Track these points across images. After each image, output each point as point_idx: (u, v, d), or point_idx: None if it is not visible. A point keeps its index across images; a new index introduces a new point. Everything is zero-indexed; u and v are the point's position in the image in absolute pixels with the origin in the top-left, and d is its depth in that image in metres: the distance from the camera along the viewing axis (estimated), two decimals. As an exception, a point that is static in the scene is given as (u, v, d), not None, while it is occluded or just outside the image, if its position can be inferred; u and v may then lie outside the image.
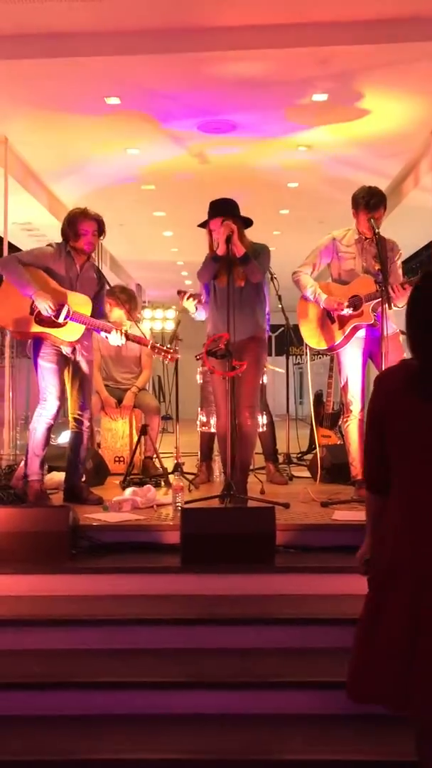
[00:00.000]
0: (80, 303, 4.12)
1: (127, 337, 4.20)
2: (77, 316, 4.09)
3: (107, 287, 4.35)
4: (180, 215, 9.31)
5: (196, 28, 4.92)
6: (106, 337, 4.17)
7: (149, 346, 4.30)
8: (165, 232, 10.61)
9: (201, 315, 4.74)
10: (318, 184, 8.03)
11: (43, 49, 5.00)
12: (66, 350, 4.17)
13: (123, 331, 4.16)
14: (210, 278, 4.20)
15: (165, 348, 4.33)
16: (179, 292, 4.81)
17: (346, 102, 5.89)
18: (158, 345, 4.34)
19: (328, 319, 4.30)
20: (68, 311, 4.07)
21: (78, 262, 4.19)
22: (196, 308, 4.78)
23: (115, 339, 4.15)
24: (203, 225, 4.27)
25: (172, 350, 4.34)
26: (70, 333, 4.09)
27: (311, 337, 4.37)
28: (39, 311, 4.04)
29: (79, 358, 4.20)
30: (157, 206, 9.19)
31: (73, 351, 4.20)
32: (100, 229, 4.21)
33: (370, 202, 4.10)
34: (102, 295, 4.32)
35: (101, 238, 4.23)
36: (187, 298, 4.74)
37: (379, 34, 4.80)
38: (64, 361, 4.18)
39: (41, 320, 4.07)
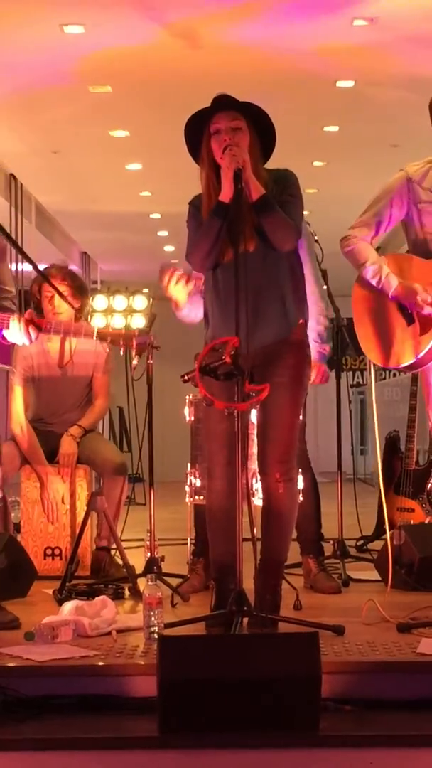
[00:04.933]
0: None
1: (38, 326, 4.15)
2: None
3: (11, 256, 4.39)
4: (154, 137, 9.40)
5: None
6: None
7: (94, 336, 4.29)
8: (129, 165, 10.70)
9: (196, 312, 4.74)
10: (388, 83, 8.11)
11: None
12: None
13: (28, 318, 4.13)
14: (215, 251, 4.20)
15: (128, 334, 4.31)
16: (163, 270, 4.73)
17: None
18: (112, 330, 4.32)
19: (402, 317, 4.32)
20: None
21: None
22: (189, 300, 4.74)
23: (17, 334, 4.14)
24: (194, 146, 4.29)
25: (139, 336, 4.32)
26: None
27: (374, 348, 4.39)
28: None
29: None
30: (116, 121, 9.28)
31: None
32: None
33: None
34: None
35: None
36: (176, 282, 4.69)
37: None
38: None
39: None
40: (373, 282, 4.31)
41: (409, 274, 4.30)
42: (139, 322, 10.15)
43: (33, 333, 4.13)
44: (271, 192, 4.17)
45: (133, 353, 4.32)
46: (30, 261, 4.45)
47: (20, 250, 4.54)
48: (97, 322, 6.18)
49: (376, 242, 4.45)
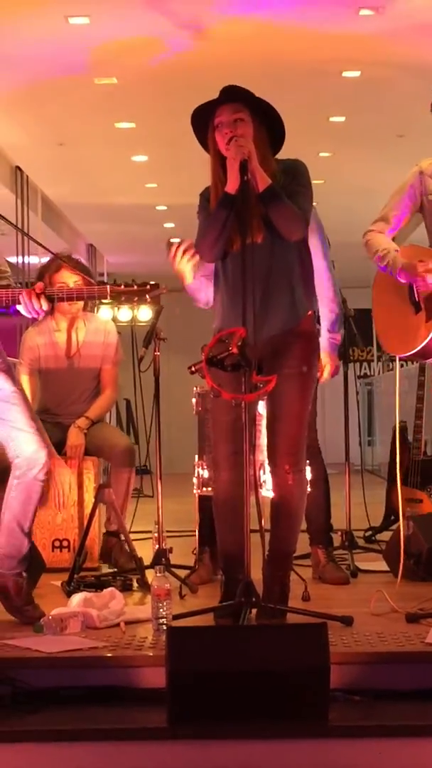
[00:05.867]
0: None
1: (49, 297, 4.05)
2: None
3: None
4: (160, 128, 9.39)
5: None
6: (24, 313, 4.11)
7: (108, 295, 4.14)
8: (135, 156, 10.69)
9: (205, 291, 4.74)
10: (394, 73, 8.09)
11: None
12: None
13: (39, 290, 4.04)
14: (220, 242, 4.19)
15: (134, 285, 4.17)
16: (169, 245, 4.73)
17: None
18: (123, 285, 4.17)
19: (410, 305, 4.32)
20: None
21: None
22: (196, 276, 4.73)
23: (28, 307, 4.07)
24: (203, 136, 4.28)
25: (148, 286, 4.17)
26: None
27: (387, 337, 4.44)
28: None
29: None
30: (122, 113, 9.27)
31: None
32: None
33: None
34: None
35: None
36: (182, 254, 4.67)
37: None
38: None
39: None
40: (382, 266, 4.36)
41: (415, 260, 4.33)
42: (145, 314, 10.13)
43: (44, 304, 4.10)
44: (279, 182, 4.16)
45: (149, 299, 4.16)
46: (47, 250, 4.42)
47: (33, 240, 4.53)
48: (104, 313, 6.16)
49: (395, 234, 4.48)
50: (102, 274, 15.71)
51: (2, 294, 4.11)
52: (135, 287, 4.14)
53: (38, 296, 4.08)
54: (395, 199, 4.45)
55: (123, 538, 5.36)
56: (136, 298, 4.14)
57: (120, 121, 9.41)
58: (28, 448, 4.21)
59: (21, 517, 4.25)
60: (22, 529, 4.26)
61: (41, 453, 4.23)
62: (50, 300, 4.13)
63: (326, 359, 5.15)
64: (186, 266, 4.67)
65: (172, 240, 4.75)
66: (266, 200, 4.12)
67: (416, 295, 4.31)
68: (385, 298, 4.45)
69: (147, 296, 4.13)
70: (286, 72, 7.89)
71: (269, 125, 4.23)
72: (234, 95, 4.16)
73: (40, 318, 4.40)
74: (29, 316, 4.14)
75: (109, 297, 4.17)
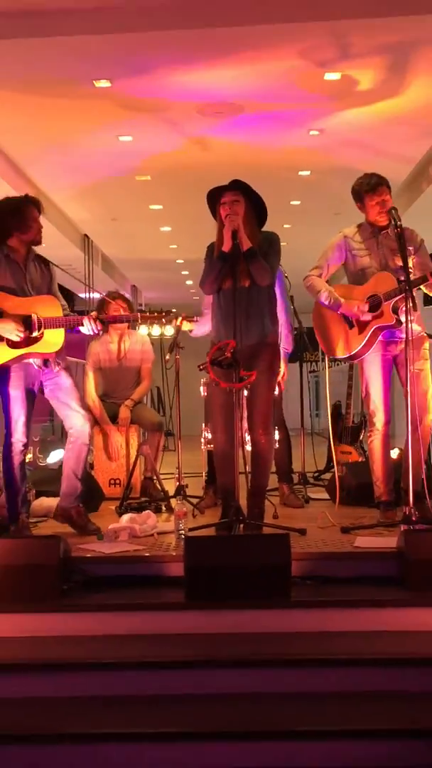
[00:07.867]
0: (47, 305, 4.06)
1: (102, 320, 4.13)
2: (51, 322, 4.05)
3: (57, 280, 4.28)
4: (179, 209, 9.34)
5: (193, 1, 4.95)
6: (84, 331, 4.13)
7: (139, 319, 4.27)
8: (162, 227, 10.65)
9: (200, 330, 4.83)
10: (332, 172, 8.05)
11: (23, 28, 5.03)
12: (37, 363, 4.13)
13: (94, 317, 4.09)
14: (216, 282, 4.18)
15: (156, 313, 4.29)
16: (172, 316, 4.84)
17: (362, 81, 5.91)
18: (148, 312, 4.29)
19: (345, 323, 4.31)
20: (38, 321, 4.01)
21: (18, 259, 4.09)
22: (196, 329, 4.97)
23: (88, 329, 4.10)
24: (213, 208, 4.25)
25: (163, 313, 4.31)
26: (51, 342, 4.05)
27: (328, 345, 4.41)
28: (8, 339, 4.00)
29: (55, 368, 4.18)
30: (154, 199, 9.23)
31: (46, 363, 4.15)
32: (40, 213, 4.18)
33: (370, 183, 4.22)
34: (55, 288, 4.25)
35: None
36: (180, 322, 5.14)
37: (399, 4, 4.83)
38: (31, 383, 4.15)
39: (15, 344, 4.03)
40: (326, 303, 4.32)
41: (350, 296, 4.30)
42: (170, 330, 10.02)
43: (98, 327, 4.11)
44: (259, 246, 4.13)
45: (164, 322, 4.36)
46: (100, 293, 4.43)
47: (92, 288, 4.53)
48: (142, 331, 6.17)
49: (325, 278, 4.44)
50: (141, 305, 15.64)
51: (72, 319, 4.10)
52: (156, 314, 4.30)
53: (95, 320, 4.08)
54: (327, 254, 4.39)
55: (155, 478, 5.35)
56: (156, 320, 4.29)
57: (153, 203, 9.37)
58: (78, 423, 4.21)
59: (75, 468, 4.24)
60: (76, 476, 4.25)
61: (86, 427, 4.22)
62: (103, 323, 4.13)
63: (282, 366, 5.16)
64: (186, 326, 5.05)
65: (172, 311, 4.82)
66: (247, 257, 4.09)
67: (351, 318, 4.29)
68: (324, 319, 4.43)
69: (163, 320, 4.30)
70: (259, 171, 7.83)
71: (258, 208, 4.20)
72: (236, 185, 4.14)
73: (100, 334, 4.40)
74: (90, 333, 4.14)
75: (140, 320, 4.31)
